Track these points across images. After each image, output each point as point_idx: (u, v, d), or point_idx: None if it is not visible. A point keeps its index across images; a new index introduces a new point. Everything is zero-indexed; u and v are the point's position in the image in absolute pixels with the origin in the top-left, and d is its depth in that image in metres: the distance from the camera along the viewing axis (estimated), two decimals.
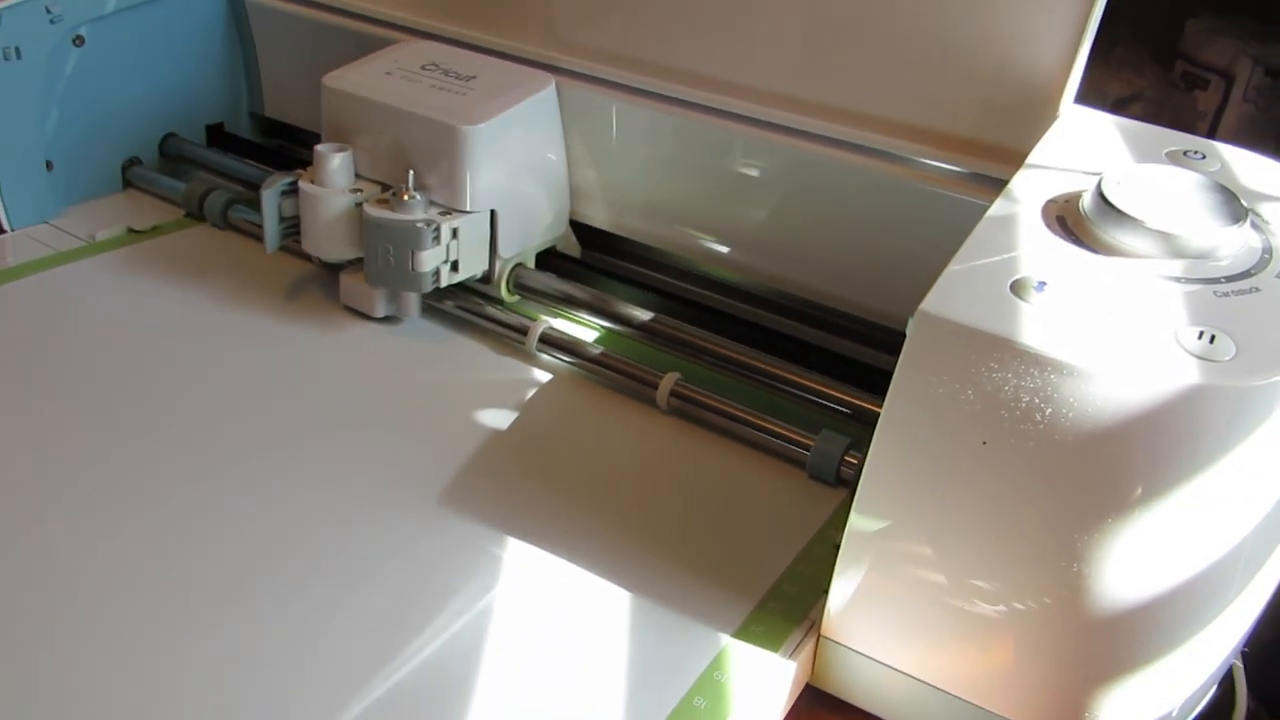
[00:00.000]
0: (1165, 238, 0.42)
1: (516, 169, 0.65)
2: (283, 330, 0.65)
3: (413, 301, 0.65)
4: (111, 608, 0.45)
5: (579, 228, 0.72)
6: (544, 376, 0.62)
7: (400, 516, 0.51)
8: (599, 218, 0.71)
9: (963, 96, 0.56)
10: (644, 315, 0.64)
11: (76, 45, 0.72)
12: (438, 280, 0.62)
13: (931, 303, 0.40)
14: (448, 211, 0.62)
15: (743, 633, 0.46)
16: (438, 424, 0.57)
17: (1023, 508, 0.40)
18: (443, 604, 0.46)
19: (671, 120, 0.65)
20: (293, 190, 0.64)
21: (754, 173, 0.64)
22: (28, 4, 0.68)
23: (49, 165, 0.73)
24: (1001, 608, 0.42)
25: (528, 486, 0.53)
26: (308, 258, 0.69)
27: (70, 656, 0.43)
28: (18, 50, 0.68)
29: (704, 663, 0.44)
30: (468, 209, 0.62)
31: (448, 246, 0.62)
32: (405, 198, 0.61)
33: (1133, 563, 0.39)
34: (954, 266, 0.42)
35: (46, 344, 0.62)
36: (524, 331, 0.63)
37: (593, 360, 0.61)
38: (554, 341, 0.62)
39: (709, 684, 0.43)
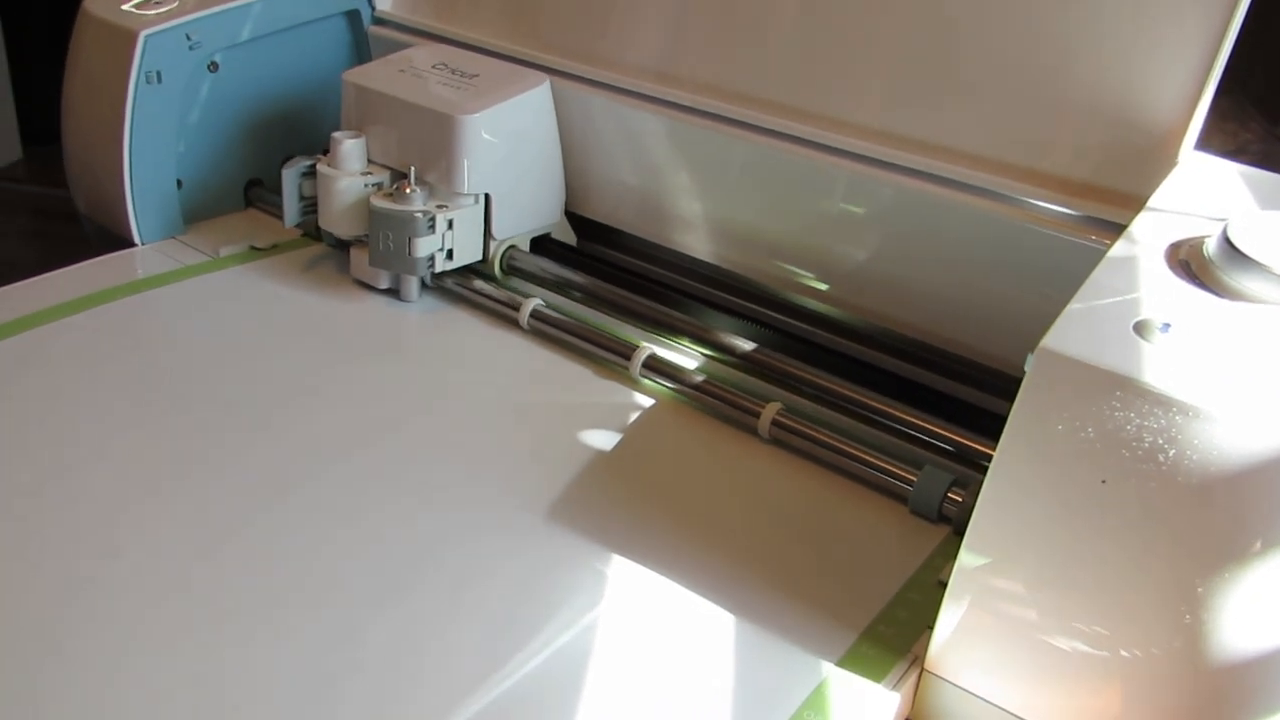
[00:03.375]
0: None
1: (509, 157, 0.71)
2: (395, 344, 0.68)
3: (412, 283, 0.71)
4: (218, 609, 0.47)
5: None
6: (645, 400, 0.63)
7: (509, 528, 0.52)
8: (701, 249, 0.72)
9: (1082, 141, 0.56)
10: (745, 345, 0.64)
11: (211, 71, 0.76)
12: (432, 265, 0.68)
13: (1053, 340, 0.40)
14: (445, 205, 0.68)
15: (846, 662, 0.46)
16: (545, 442, 0.59)
17: (1139, 549, 0.40)
18: (551, 616, 0.47)
19: (775, 154, 0.66)
20: (312, 172, 0.71)
21: (860, 209, 0.65)
22: (171, 31, 0.72)
23: (179, 184, 0.77)
24: (1110, 653, 0.41)
25: (632, 506, 0.54)
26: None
27: (171, 653, 0.45)
28: (159, 74, 0.72)
29: (807, 689, 0.44)
30: (464, 191, 0.68)
31: (443, 235, 0.68)
32: (407, 190, 0.68)
33: (1249, 615, 0.39)
34: (1075, 305, 0.42)
35: (172, 351, 0.65)
36: (628, 357, 0.64)
37: (694, 387, 0.62)
38: (656, 367, 0.64)
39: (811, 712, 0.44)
